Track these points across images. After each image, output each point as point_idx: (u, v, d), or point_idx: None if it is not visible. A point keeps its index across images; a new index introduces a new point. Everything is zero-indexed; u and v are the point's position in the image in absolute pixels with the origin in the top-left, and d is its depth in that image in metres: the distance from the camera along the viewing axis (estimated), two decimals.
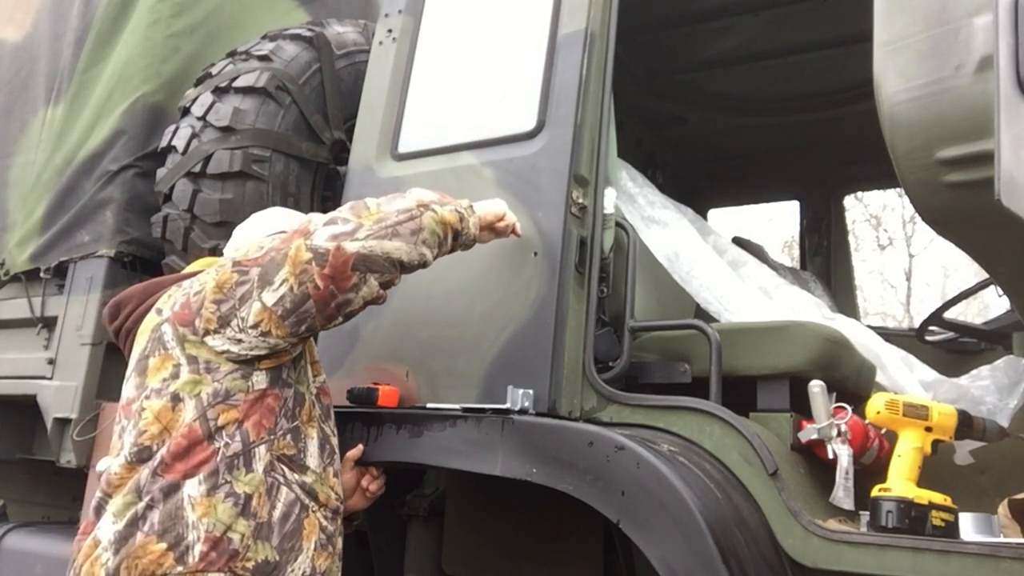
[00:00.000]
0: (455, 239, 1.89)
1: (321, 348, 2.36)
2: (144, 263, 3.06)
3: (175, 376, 1.73)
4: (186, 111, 2.86)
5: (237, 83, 2.79)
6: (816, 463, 2.03)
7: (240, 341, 1.73)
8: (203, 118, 2.78)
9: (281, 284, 1.69)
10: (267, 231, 2.02)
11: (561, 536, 2.20)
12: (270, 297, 1.70)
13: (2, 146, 3.67)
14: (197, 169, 2.73)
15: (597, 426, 1.92)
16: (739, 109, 3.81)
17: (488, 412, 1.98)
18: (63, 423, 2.92)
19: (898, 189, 4.95)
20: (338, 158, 2.91)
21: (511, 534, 2.29)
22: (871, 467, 2.02)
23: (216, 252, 2.59)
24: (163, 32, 3.17)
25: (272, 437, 1.75)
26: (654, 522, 1.70)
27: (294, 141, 2.81)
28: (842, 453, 1.94)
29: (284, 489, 1.74)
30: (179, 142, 2.80)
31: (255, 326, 1.71)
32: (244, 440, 1.71)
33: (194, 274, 1.92)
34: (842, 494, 1.92)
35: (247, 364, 1.76)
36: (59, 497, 3.46)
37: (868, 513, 1.80)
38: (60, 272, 3.17)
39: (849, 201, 5.18)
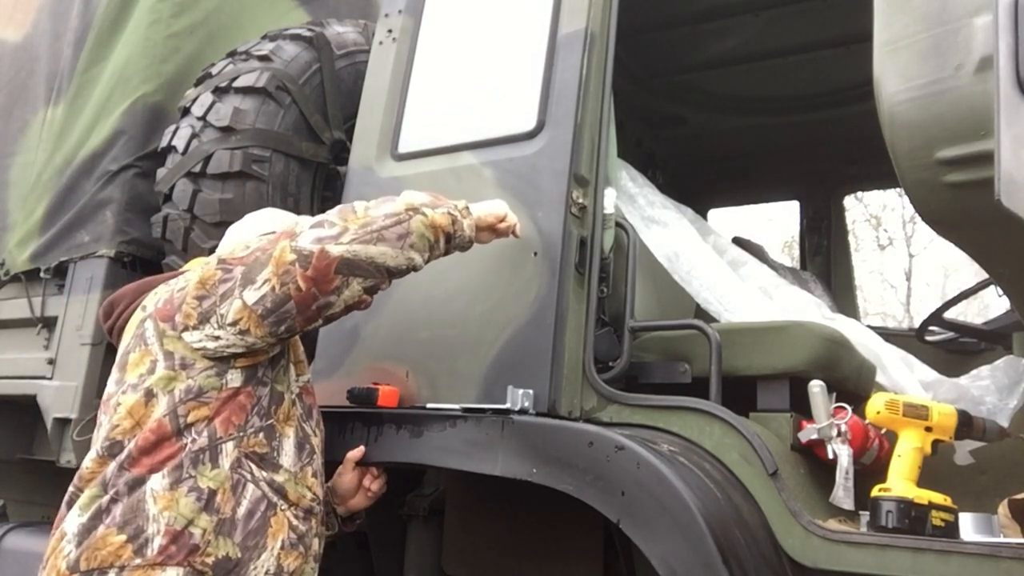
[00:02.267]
0: (448, 242, 1.88)
1: (321, 348, 2.36)
2: (144, 263, 3.05)
3: (151, 371, 1.74)
4: (186, 111, 2.86)
5: (237, 83, 2.79)
6: (816, 463, 2.03)
7: (218, 338, 1.73)
8: (203, 118, 2.77)
9: (263, 283, 1.70)
10: (258, 232, 2.02)
11: (561, 536, 2.20)
12: (251, 296, 1.70)
13: (2, 146, 3.66)
14: (197, 169, 2.73)
15: (597, 426, 1.92)
16: (739, 109, 3.81)
17: (488, 412, 1.98)
18: (63, 423, 2.92)
19: (898, 189, 4.95)
20: (338, 158, 2.90)
21: (511, 534, 2.29)
22: (871, 467, 2.02)
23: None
24: (163, 32, 3.16)
25: (241, 434, 1.75)
26: (654, 522, 1.70)
27: (294, 141, 2.81)
28: (842, 453, 1.94)
29: (251, 486, 1.73)
30: (179, 142, 2.80)
31: (234, 323, 1.71)
32: (211, 436, 1.71)
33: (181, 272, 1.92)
34: (842, 494, 1.92)
35: (222, 362, 1.76)
36: (59, 497, 3.42)
37: (868, 513, 1.80)
38: (60, 272, 3.16)
39: (849, 201, 5.18)
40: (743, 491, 1.84)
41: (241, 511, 1.70)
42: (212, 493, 1.68)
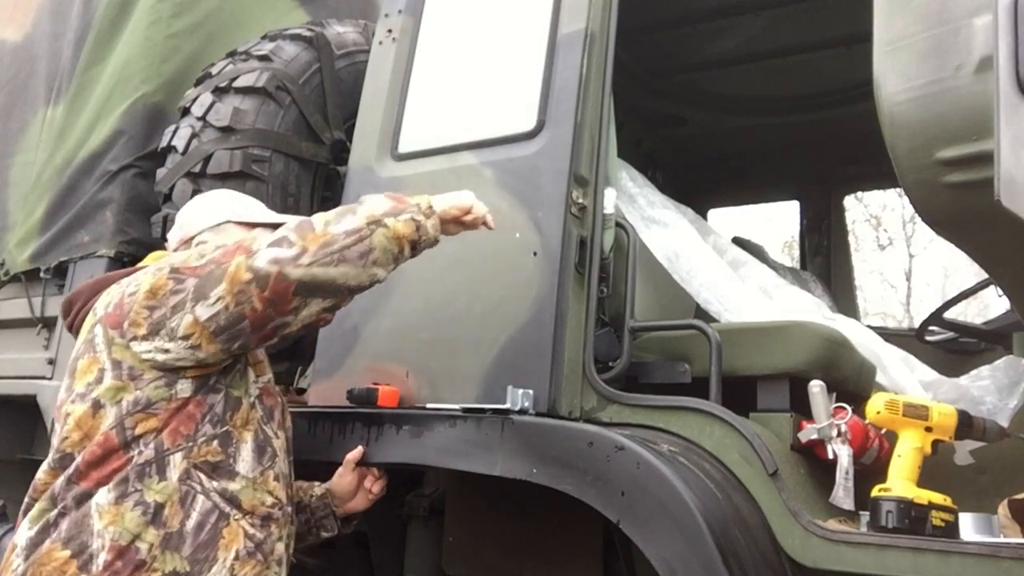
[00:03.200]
0: (413, 248, 1.80)
1: (321, 348, 2.36)
2: None
3: (99, 381, 1.68)
4: (186, 111, 2.86)
5: (237, 83, 2.79)
6: (816, 463, 2.03)
7: (167, 351, 1.66)
8: (203, 118, 2.77)
9: (217, 300, 1.63)
10: (211, 220, 1.97)
11: (561, 536, 2.20)
12: (204, 311, 1.64)
13: (2, 146, 3.67)
14: (197, 169, 2.73)
15: (597, 426, 1.92)
16: (739, 109, 3.81)
17: (488, 412, 1.98)
18: None
19: (898, 189, 4.95)
20: (338, 158, 2.90)
21: (511, 534, 2.29)
22: (871, 467, 2.02)
23: None
24: (163, 32, 3.17)
25: (191, 444, 1.69)
26: (654, 522, 1.70)
27: (294, 141, 2.81)
28: (842, 453, 1.94)
29: (200, 498, 1.68)
30: (179, 142, 2.79)
31: (185, 337, 1.65)
32: (158, 448, 1.66)
33: (136, 270, 1.84)
34: (842, 494, 1.92)
35: (172, 372, 1.69)
36: None
37: (868, 513, 1.80)
38: (60, 272, 3.17)
39: (849, 201, 5.18)
40: (743, 491, 1.84)
41: (190, 524, 1.65)
42: (159, 507, 1.63)
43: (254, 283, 1.63)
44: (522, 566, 2.26)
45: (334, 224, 1.71)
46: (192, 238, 1.98)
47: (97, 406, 1.67)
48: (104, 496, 1.62)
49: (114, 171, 3.08)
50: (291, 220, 1.76)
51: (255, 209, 2.08)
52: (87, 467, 1.64)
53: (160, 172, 2.87)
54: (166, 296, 1.66)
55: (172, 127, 2.89)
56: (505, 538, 2.30)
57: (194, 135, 2.77)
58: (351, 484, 2.12)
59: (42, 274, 3.20)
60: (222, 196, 2.12)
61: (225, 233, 1.97)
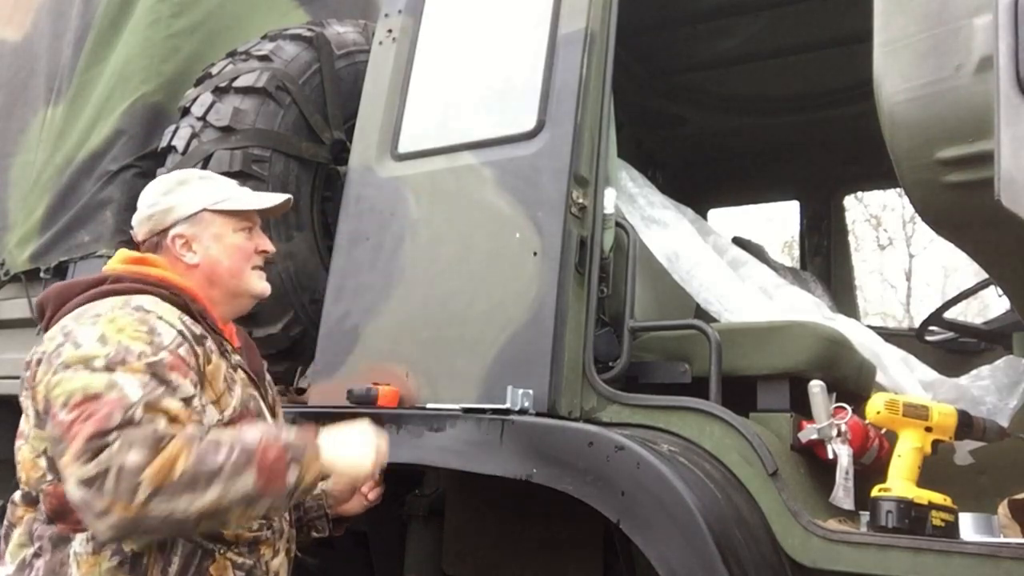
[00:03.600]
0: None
1: (321, 348, 2.36)
2: None
3: (33, 427, 1.64)
4: (186, 111, 2.86)
5: (237, 83, 2.79)
6: (816, 463, 2.03)
7: None
8: (203, 118, 2.77)
9: (64, 469, 1.47)
10: (186, 210, 1.81)
11: (561, 536, 2.20)
12: (60, 463, 1.50)
13: (2, 146, 3.67)
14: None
15: (597, 426, 1.92)
16: (739, 109, 3.81)
17: (488, 412, 1.98)
18: None
19: (898, 189, 4.95)
20: (338, 158, 2.90)
21: (511, 534, 2.29)
22: (871, 467, 2.02)
23: None
24: (163, 32, 3.17)
25: None
26: (654, 522, 1.70)
27: (294, 141, 2.81)
28: (842, 453, 1.94)
29: (180, 541, 1.60)
30: (179, 142, 2.79)
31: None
32: None
33: (102, 280, 1.72)
34: (842, 494, 1.92)
35: None
36: None
37: (868, 513, 1.80)
38: (60, 272, 3.16)
39: (849, 201, 5.19)
40: (743, 491, 1.84)
41: (173, 570, 1.59)
42: (137, 556, 1.56)
43: (69, 499, 1.48)
44: (522, 566, 2.26)
45: (167, 495, 1.40)
46: (166, 230, 1.81)
47: (34, 451, 1.64)
48: (82, 545, 1.58)
49: (114, 171, 3.08)
50: (133, 448, 1.42)
51: (228, 191, 1.91)
52: (53, 515, 1.60)
53: (160, 172, 2.86)
54: (44, 415, 1.56)
55: (172, 127, 2.89)
56: (505, 538, 2.30)
57: (194, 135, 2.77)
58: (348, 485, 2.11)
59: (42, 274, 3.20)
60: (192, 180, 1.89)
61: (202, 224, 1.81)
